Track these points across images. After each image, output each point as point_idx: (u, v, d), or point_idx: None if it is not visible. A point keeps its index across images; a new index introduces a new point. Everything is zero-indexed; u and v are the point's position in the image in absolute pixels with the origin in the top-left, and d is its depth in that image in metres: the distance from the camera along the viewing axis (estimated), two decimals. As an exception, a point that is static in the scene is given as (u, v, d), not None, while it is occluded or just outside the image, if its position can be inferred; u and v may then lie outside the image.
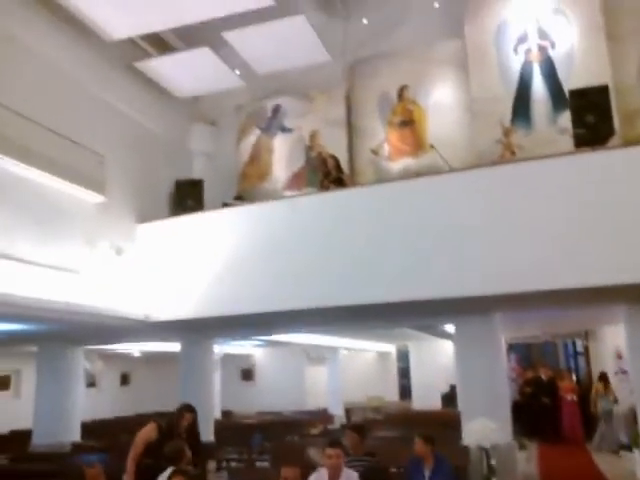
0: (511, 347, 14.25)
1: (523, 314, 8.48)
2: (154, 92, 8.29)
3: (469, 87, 8.06)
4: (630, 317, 6.85)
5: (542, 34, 7.85)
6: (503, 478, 5.86)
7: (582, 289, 5.51)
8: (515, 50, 7.96)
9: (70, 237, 6.54)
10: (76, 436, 9.10)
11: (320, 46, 7.52)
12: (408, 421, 10.18)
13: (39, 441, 8.77)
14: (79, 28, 6.73)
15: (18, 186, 5.93)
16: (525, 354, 15.50)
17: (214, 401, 9.99)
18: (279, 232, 6.79)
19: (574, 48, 7.61)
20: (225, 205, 7.87)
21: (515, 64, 7.93)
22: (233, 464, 9.44)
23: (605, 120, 6.01)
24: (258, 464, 8.68)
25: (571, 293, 5.77)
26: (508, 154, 7.54)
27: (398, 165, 8.59)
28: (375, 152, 8.75)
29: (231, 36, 7.26)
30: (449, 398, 13.51)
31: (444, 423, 8.13)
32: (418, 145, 8.51)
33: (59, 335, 8.35)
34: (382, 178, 8.33)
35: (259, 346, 15.64)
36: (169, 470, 3.96)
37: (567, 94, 6.76)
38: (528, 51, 7.91)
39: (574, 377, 13.81)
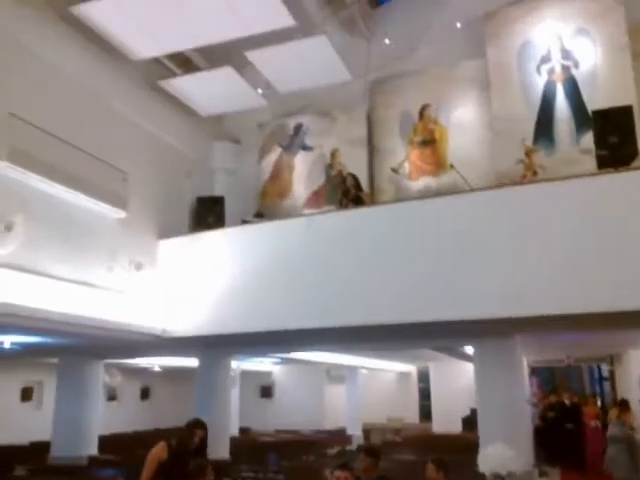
0: (533, 371, 13.92)
1: (545, 337, 8.29)
2: (178, 110, 8.43)
3: (491, 107, 8.02)
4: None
5: (565, 54, 7.78)
6: (522, 506, 5.69)
7: (606, 313, 5.37)
8: (538, 70, 7.90)
9: (92, 252, 6.64)
10: (93, 449, 9.12)
11: (341, 65, 7.59)
12: (426, 444, 9.98)
13: (57, 453, 8.84)
14: (106, 48, 6.91)
15: (43, 202, 6.07)
16: (547, 378, 15.13)
17: (231, 418, 9.96)
18: (296, 250, 6.80)
19: (598, 68, 7.53)
20: (244, 222, 7.92)
21: (538, 84, 7.87)
22: (248, 483, 9.37)
23: (629, 141, 5.89)
24: (273, 483, 8.59)
25: (594, 317, 5.63)
26: (530, 174, 7.46)
27: (419, 184, 8.56)
28: (395, 171, 8.74)
29: (254, 56, 7.38)
30: (470, 422, 13.18)
31: (463, 448, 7.94)
32: (439, 164, 8.47)
33: (79, 348, 8.45)
34: (402, 197, 8.29)
35: (278, 363, 15.58)
36: None
37: (590, 114, 6.67)
38: (551, 71, 7.85)
39: (599, 403, 13.42)
